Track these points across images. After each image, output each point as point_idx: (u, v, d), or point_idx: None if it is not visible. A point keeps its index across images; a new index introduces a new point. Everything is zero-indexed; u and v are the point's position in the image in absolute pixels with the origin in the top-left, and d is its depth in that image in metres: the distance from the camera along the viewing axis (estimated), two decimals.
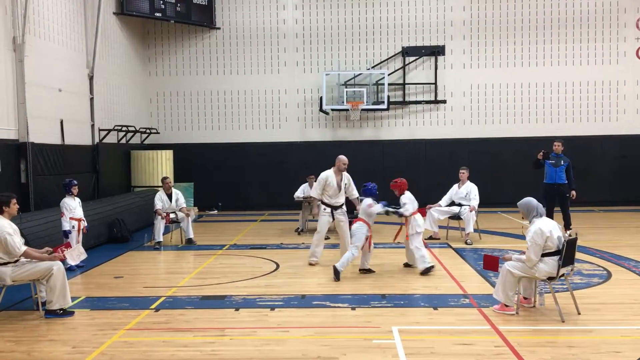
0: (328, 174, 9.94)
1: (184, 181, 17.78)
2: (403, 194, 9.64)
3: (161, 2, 17.38)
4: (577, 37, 18.27)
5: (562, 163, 12.40)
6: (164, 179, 12.70)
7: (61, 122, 13.20)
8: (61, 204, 10.10)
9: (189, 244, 12.35)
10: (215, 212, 18.41)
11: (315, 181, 13.49)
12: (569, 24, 18.25)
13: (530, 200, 7.11)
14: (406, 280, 8.87)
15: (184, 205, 12.63)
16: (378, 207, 9.12)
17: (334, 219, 9.99)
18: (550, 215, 11.05)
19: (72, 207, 10.09)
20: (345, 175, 10.02)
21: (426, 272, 9.18)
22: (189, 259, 11.12)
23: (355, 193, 10.20)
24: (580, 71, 18.31)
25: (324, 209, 9.95)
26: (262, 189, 18.46)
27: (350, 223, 9.57)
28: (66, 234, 9.96)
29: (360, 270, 9.34)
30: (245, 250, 11.74)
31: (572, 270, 7.13)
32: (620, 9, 18.16)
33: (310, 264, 10.02)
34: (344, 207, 10.14)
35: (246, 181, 18.59)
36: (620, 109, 18.36)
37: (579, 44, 18.27)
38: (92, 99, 14.82)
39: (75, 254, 8.43)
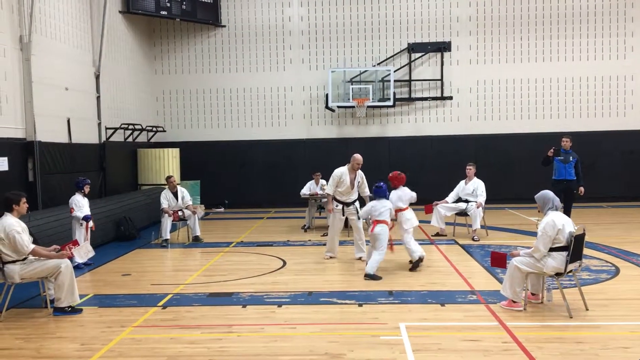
0: (342, 171, 10.04)
1: (191, 179, 17.82)
2: (396, 188, 9.53)
3: (166, 0, 17.40)
4: (584, 32, 18.16)
5: (571, 159, 12.34)
6: (168, 178, 12.75)
7: (68, 121, 13.25)
8: (70, 200, 10.21)
9: (196, 242, 12.38)
10: (222, 209, 18.45)
11: (322, 178, 13.58)
12: (576, 19, 18.15)
13: (547, 192, 7.12)
14: (413, 277, 8.86)
15: (190, 203, 12.66)
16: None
17: (344, 214, 10.13)
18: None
19: (82, 205, 10.18)
20: (359, 173, 10.14)
21: (416, 265, 9.32)
22: (196, 257, 11.15)
23: (367, 191, 10.28)
24: (587, 66, 18.21)
25: (336, 205, 10.08)
26: (269, 187, 18.48)
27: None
28: (87, 217, 10.09)
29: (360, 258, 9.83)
30: (252, 247, 11.76)
31: (580, 266, 7.10)
32: (628, 3, 18.04)
33: (326, 258, 10.23)
34: (357, 203, 10.19)
35: (252, 179, 18.61)
36: (628, 104, 18.25)
37: (586, 39, 18.17)
38: (98, 98, 14.87)
39: (83, 251, 8.46)
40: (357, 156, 10.09)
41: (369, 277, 8.71)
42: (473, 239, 11.86)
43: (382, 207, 8.98)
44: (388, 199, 9.18)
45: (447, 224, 12.52)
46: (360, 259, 10.09)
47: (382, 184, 9.15)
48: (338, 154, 16.74)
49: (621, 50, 18.15)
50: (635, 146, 18.00)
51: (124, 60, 16.73)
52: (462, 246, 11.32)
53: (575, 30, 18.17)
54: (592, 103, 18.30)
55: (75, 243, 8.27)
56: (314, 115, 18.87)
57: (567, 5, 18.16)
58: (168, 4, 17.46)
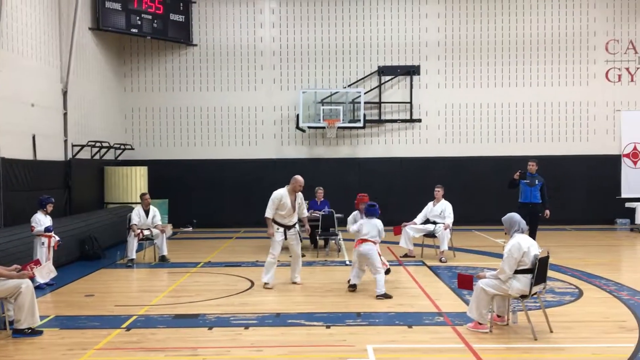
0: (282, 194, 9.56)
1: (159, 198, 17.56)
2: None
3: (137, 18, 17.33)
4: (549, 59, 18.67)
5: (537, 182, 12.58)
6: (142, 195, 12.65)
7: (33, 137, 13.00)
8: (32, 219, 10.02)
9: (163, 262, 12.20)
10: (190, 229, 18.24)
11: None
12: (541, 46, 18.66)
13: (514, 215, 7.23)
14: (381, 298, 8.85)
15: (160, 223, 12.52)
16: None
17: (286, 238, 9.68)
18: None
19: (43, 223, 9.98)
20: (299, 195, 9.75)
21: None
22: (162, 277, 10.98)
23: (305, 212, 10.09)
24: (552, 92, 18.69)
25: (277, 229, 9.61)
26: (238, 206, 18.35)
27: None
28: (48, 228, 9.91)
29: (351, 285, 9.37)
30: (219, 267, 11.63)
31: (544, 288, 7.21)
32: (590, 32, 18.65)
33: (266, 288, 9.55)
34: (297, 226, 9.90)
35: (222, 198, 18.49)
36: (591, 129, 18.75)
37: (550, 66, 18.68)
38: (65, 114, 14.64)
39: (45, 271, 8.24)
40: (299, 178, 9.67)
41: (382, 296, 8.80)
42: (441, 260, 11.95)
43: (371, 227, 9.06)
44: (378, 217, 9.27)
45: (415, 245, 12.59)
46: (294, 283, 9.86)
47: (375, 203, 9.31)
48: (308, 175, 16.71)
49: (584, 77, 18.69)
50: (598, 170, 18.46)
51: (92, 77, 16.55)
52: (430, 267, 11.39)
53: (540, 57, 18.67)
54: (557, 128, 18.75)
55: (37, 262, 8.07)
56: (284, 136, 18.90)
57: (533, 33, 18.67)
58: (139, 22, 17.38)
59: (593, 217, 18.31)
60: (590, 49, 18.67)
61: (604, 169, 18.47)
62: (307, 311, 8.12)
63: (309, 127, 18.22)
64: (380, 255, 9.14)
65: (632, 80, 18.65)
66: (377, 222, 9.13)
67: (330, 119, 17.40)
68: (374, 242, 9.04)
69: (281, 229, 9.61)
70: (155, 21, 17.73)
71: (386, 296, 8.81)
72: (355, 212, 10.29)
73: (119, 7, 16.87)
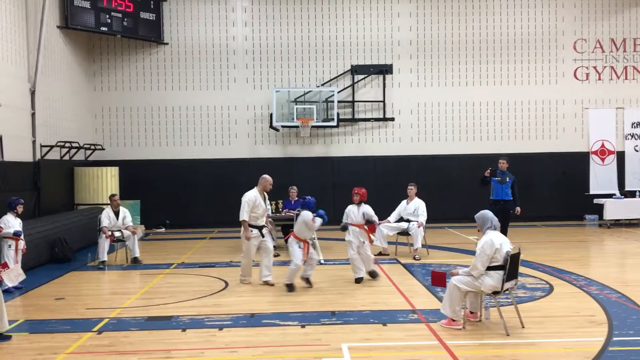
0: (255, 195, 9.65)
1: (131, 198, 17.33)
2: (360, 204, 10.31)
3: (107, 16, 17.06)
4: (519, 58, 18.94)
5: (508, 180, 12.74)
6: (111, 197, 12.48)
7: (0, 138, 12.70)
8: (0, 220, 9.83)
9: (135, 263, 12.04)
10: (163, 230, 18.06)
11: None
12: (511, 46, 18.91)
13: (487, 212, 7.34)
14: (356, 297, 8.89)
15: (131, 224, 12.36)
16: (318, 223, 9.36)
17: (263, 236, 9.78)
18: None
19: (12, 225, 9.80)
20: (264, 194, 9.90)
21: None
22: (135, 279, 10.84)
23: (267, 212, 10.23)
24: (522, 91, 18.96)
25: (251, 231, 9.60)
26: (212, 206, 18.22)
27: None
28: (17, 232, 9.74)
29: (300, 277, 9.51)
30: (193, 268, 11.54)
31: (516, 284, 7.31)
32: (559, 31, 18.96)
33: (245, 283, 9.91)
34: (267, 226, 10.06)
35: (195, 198, 18.34)
36: (560, 127, 19.07)
37: (520, 65, 18.94)
38: (33, 114, 14.34)
39: (13, 275, 8.10)
40: (269, 177, 9.83)
41: (287, 286, 9.24)
42: (414, 258, 12.04)
43: (300, 219, 9.39)
44: (313, 212, 9.40)
45: (389, 243, 12.66)
46: (267, 282, 9.74)
47: (309, 197, 9.56)
48: (282, 174, 16.74)
49: (553, 76, 19.00)
50: (567, 167, 18.79)
51: (61, 76, 16.24)
52: (404, 265, 11.47)
53: (510, 56, 18.92)
54: (527, 126, 19.03)
55: (5, 266, 7.92)
56: (258, 135, 18.82)
57: (503, 32, 18.91)
58: (109, 20, 17.11)
59: (562, 213, 18.63)
60: (559, 48, 18.98)
61: (574, 166, 18.80)
62: (281, 311, 8.10)
63: (283, 126, 18.16)
64: (306, 249, 9.29)
65: (599, 79, 19.03)
66: (304, 213, 9.33)
67: (304, 118, 17.39)
68: (295, 236, 9.30)
69: (255, 230, 9.65)
70: (126, 19, 17.48)
71: (289, 287, 9.20)
72: (351, 205, 10.38)
73: (88, 5, 16.58)
